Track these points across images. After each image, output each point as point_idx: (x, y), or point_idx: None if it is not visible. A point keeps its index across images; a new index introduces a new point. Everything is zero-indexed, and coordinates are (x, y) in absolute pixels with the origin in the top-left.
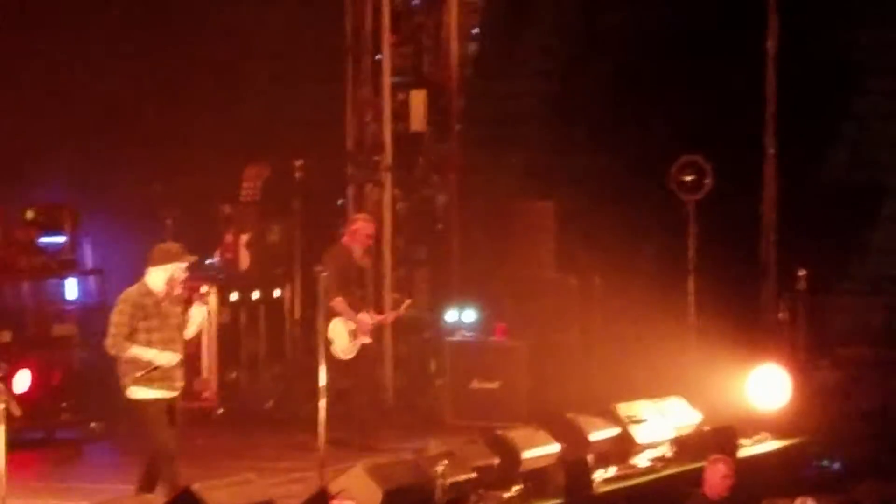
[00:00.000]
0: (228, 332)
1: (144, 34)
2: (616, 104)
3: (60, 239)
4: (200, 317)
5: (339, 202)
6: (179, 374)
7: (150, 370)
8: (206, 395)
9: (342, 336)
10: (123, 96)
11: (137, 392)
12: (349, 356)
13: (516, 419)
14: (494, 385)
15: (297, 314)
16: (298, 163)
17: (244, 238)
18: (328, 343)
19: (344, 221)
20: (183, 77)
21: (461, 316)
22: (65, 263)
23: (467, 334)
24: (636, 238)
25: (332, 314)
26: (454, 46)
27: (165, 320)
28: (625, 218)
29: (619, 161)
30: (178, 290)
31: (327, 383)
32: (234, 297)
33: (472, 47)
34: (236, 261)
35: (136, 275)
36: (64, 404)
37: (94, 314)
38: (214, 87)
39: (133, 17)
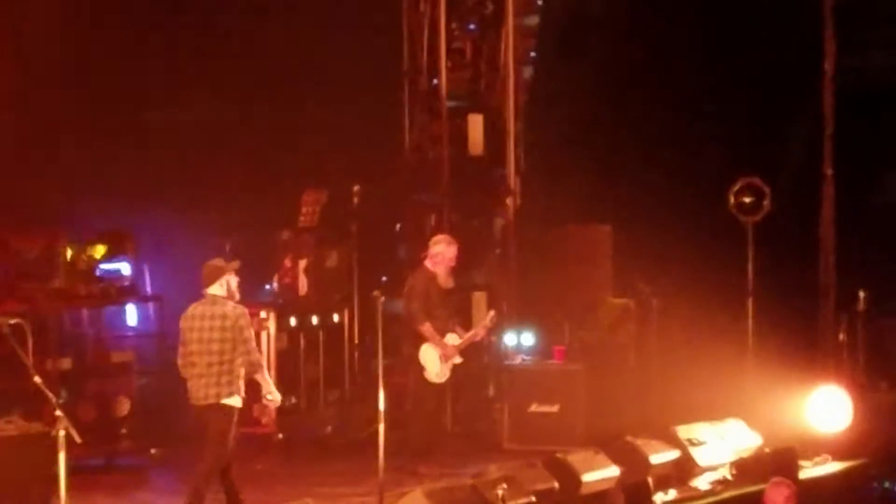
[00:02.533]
0: (287, 358)
1: (204, 59)
2: (673, 127)
3: (120, 266)
4: None
5: (397, 227)
6: None
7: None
8: (265, 420)
9: (433, 361)
10: (182, 122)
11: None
12: (443, 379)
13: (575, 442)
14: (553, 408)
15: (356, 339)
16: (356, 188)
17: (302, 263)
18: (421, 369)
19: (403, 246)
20: (242, 103)
21: (519, 340)
22: (124, 290)
23: (525, 358)
24: (694, 261)
25: (420, 340)
26: (511, 70)
27: None
28: (682, 241)
29: (677, 184)
30: (236, 298)
31: (424, 407)
32: (292, 322)
33: (529, 71)
34: (295, 286)
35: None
36: (124, 431)
37: (152, 341)
38: (272, 113)
39: (193, 42)
